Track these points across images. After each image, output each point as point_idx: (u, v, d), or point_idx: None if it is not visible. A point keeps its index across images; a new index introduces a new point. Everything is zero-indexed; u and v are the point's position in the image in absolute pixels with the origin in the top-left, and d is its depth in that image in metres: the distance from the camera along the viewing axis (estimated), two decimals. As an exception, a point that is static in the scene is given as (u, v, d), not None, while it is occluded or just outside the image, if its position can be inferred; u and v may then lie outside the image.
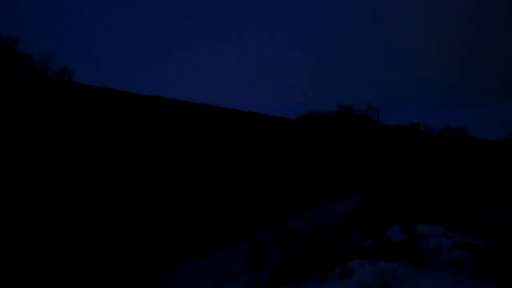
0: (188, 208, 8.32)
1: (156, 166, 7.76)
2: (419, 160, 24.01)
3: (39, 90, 6.20)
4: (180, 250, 7.71)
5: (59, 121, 6.23)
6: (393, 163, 20.73)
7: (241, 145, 10.29)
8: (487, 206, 11.15)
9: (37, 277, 5.61)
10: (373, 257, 6.27)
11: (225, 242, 8.68)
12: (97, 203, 6.52)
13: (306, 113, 16.06)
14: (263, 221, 10.18)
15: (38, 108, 5.96)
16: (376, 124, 20.12)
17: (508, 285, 5.24)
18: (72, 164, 6.29)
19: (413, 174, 20.71)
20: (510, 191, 13.15)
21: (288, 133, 12.89)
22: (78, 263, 6.15)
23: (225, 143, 9.52)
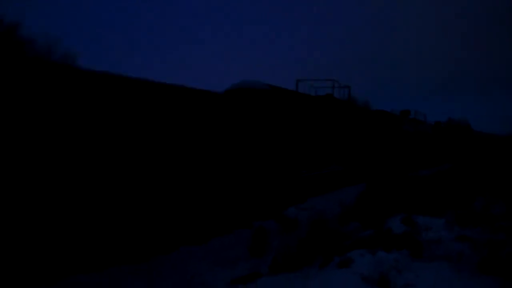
0: (188, 194, 8.33)
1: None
2: (403, 151, 21.36)
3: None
4: (180, 235, 7.74)
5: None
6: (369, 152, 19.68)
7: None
8: (488, 200, 11.15)
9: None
10: (373, 247, 6.28)
11: (226, 229, 8.71)
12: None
13: (233, 86, 12.13)
14: (264, 209, 10.21)
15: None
16: (344, 104, 16.93)
17: (507, 279, 5.26)
18: None
19: (398, 166, 18.99)
20: (511, 186, 13.13)
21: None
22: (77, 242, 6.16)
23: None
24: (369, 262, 5.57)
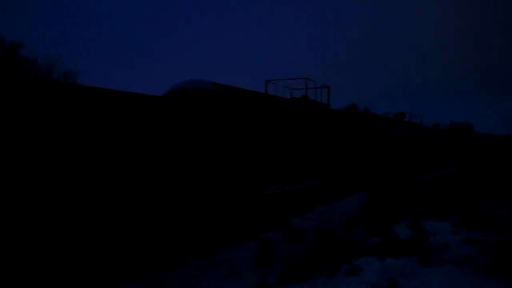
0: (194, 208, 8.33)
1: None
2: (398, 156, 19.23)
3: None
4: (188, 250, 7.72)
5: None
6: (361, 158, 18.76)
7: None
8: (493, 201, 11.11)
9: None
10: (381, 254, 6.26)
11: (232, 242, 8.68)
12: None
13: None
14: (269, 220, 10.18)
15: None
16: (321, 107, 15.19)
17: None
18: None
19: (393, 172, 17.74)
20: None
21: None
22: (82, 264, 6.13)
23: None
24: (377, 269, 5.55)
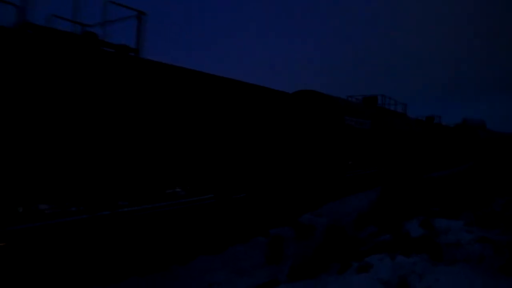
0: (205, 204, 8.37)
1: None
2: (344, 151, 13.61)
3: None
4: (198, 245, 7.76)
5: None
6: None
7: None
8: (507, 200, 10.96)
9: None
10: (392, 252, 6.22)
11: (242, 238, 8.70)
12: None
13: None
14: (279, 216, 10.17)
15: None
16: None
17: None
18: None
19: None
20: None
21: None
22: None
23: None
24: (388, 267, 5.52)
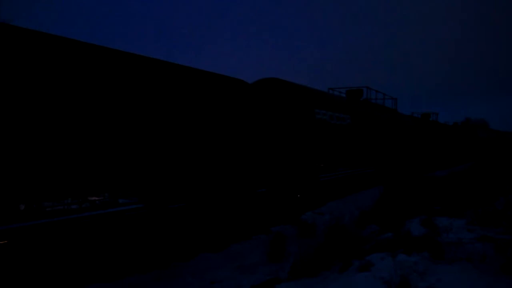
0: (209, 201, 8.39)
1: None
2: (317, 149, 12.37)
3: None
4: (200, 242, 7.80)
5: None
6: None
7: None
8: (509, 199, 10.92)
9: None
10: (393, 250, 6.23)
11: (244, 235, 8.72)
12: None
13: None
14: (281, 214, 10.19)
15: None
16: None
17: None
18: None
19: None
20: None
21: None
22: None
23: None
24: (390, 266, 5.52)
